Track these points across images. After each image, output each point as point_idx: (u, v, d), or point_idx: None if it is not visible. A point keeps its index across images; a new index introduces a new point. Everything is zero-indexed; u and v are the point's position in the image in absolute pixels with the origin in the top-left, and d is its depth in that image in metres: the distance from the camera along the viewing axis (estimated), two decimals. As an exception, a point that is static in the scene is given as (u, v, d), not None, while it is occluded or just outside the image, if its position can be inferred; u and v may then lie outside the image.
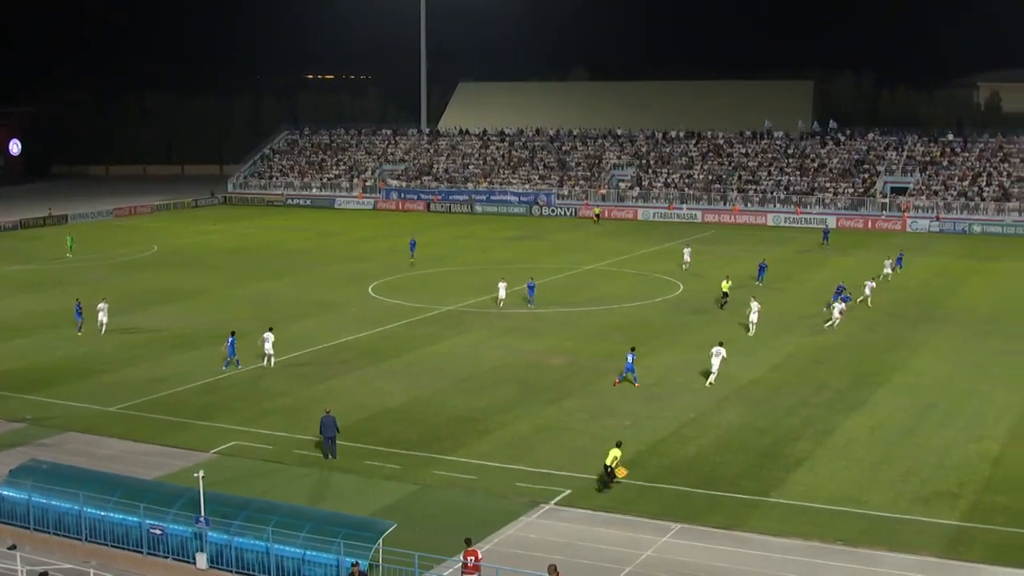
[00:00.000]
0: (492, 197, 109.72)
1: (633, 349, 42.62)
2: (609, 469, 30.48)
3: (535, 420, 37.70)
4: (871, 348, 47.94)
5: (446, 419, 37.57)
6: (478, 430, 36.42)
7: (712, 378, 41.82)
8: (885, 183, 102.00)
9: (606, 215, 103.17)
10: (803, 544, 27.11)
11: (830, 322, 51.96)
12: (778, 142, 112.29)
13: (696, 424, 37.33)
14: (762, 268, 64.34)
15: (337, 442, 33.40)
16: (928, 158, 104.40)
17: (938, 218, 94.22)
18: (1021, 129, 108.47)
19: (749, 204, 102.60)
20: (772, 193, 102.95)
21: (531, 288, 57.89)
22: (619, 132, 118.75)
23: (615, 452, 30.66)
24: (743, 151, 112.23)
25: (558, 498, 30.30)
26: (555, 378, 43.20)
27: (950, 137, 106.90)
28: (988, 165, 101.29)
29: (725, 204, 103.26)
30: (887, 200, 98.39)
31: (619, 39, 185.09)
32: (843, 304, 52.67)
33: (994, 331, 51.46)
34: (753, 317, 50.43)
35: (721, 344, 42.54)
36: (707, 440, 35.61)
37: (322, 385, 41.99)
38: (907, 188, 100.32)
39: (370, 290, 62.54)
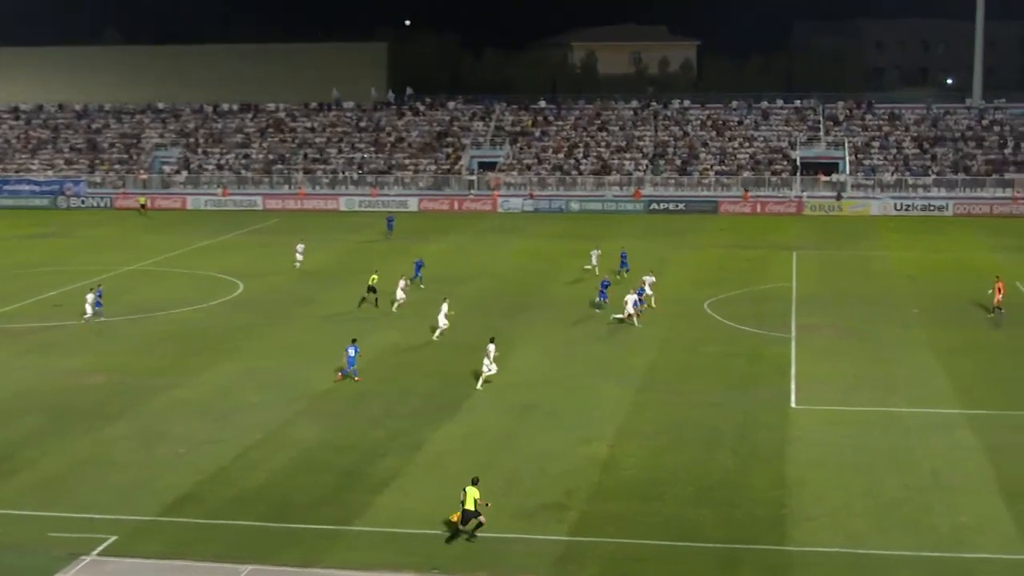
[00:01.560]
0: (5, 187, 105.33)
1: (354, 341, 44.49)
2: (469, 515, 29.50)
3: (71, 454, 36.28)
4: (461, 346, 49.72)
5: (-57, 466, 34.94)
6: (-3, 473, 34.37)
7: (483, 378, 43.81)
8: (472, 158, 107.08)
9: (150, 205, 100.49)
10: (395, 577, 27.71)
11: (621, 316, 54.34)
12: (348, 114, 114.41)
13: (265, 445, 37.22)
14: (419, 266, 64.52)
15: None
16: (519, 128, 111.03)
17: (532, 196, 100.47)
18: (619, 93, 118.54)
19: (317, 187, 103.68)
20: (344, 173, 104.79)
21: (99, 295, 55.23)
22: (161, 106, 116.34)
23: (473, 492, 29.75)
24: (308, 125, 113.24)
25: (102, 547, 29.20)
26: (94, 402, 42.01)
27: (542, 104, 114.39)
28: (585, 135, 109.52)
29: (290, 188, 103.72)
30: (475, 177, 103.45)
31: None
32: (636, 296, 55.22)
33: (601, 320, 55.74)
34: (434, 316, 51.52)
35: (492, 340, 44.76)
36: (279, 463, 35.55)
37: None
38: (496, 163, 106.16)
39: None
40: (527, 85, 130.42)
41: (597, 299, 57.27)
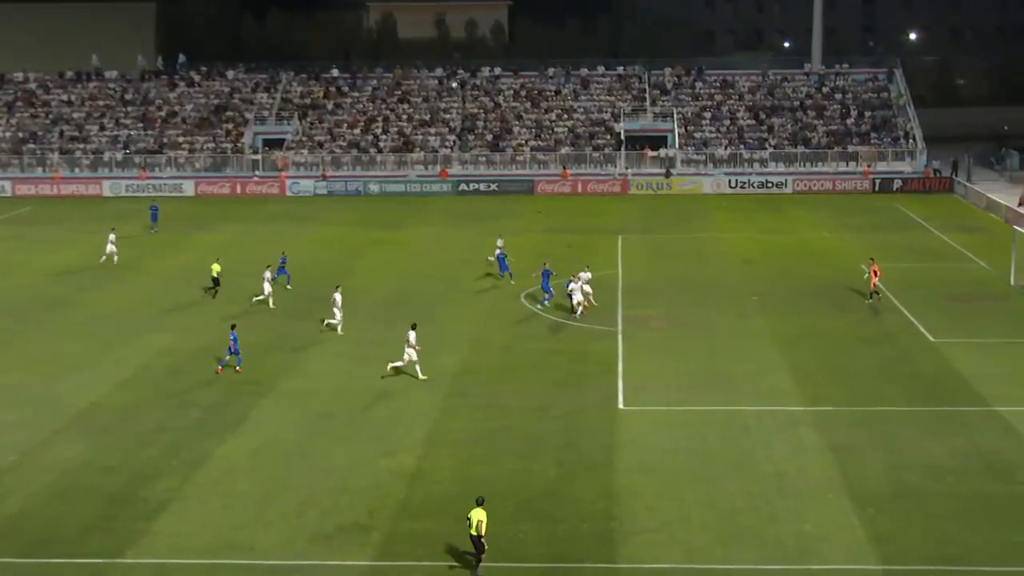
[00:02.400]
0: None
1: (233, 327, 46.66)
2: (477, 539, 29.28)
3: None
4: (248, 349, 49.12)
5: None
6: None
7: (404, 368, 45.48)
8: (256, 135, 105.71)
9: None
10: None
11: (579, 310, 54.77)
12: (112, 85, 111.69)
13: (21, 469, 36.49)
14: (286, 264, 62.99)
15: None
16: (309, 101, 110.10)
17: (325, 177, 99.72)
18: (422, 60, 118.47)
19: (76, 169, 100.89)
20: (107, 154, 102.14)
21: None
22: None
23: (479, 515, 29.31)
24: (64, 98, 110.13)
25: None
26: None
27: (335, 73, 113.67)
28: (384, 107, 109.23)
29: (44, 170, 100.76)
30: (260, 157, 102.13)
31: None
32: (577, 283, 55.24)
33: (403, 316, 55.64)
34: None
35: (413, 327, 46.07)
36: (36, 488, 34.89)
37: None
38: (284, 140, 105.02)
39: None
40: (317, 52, 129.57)
41: (544, 300, 57.12)
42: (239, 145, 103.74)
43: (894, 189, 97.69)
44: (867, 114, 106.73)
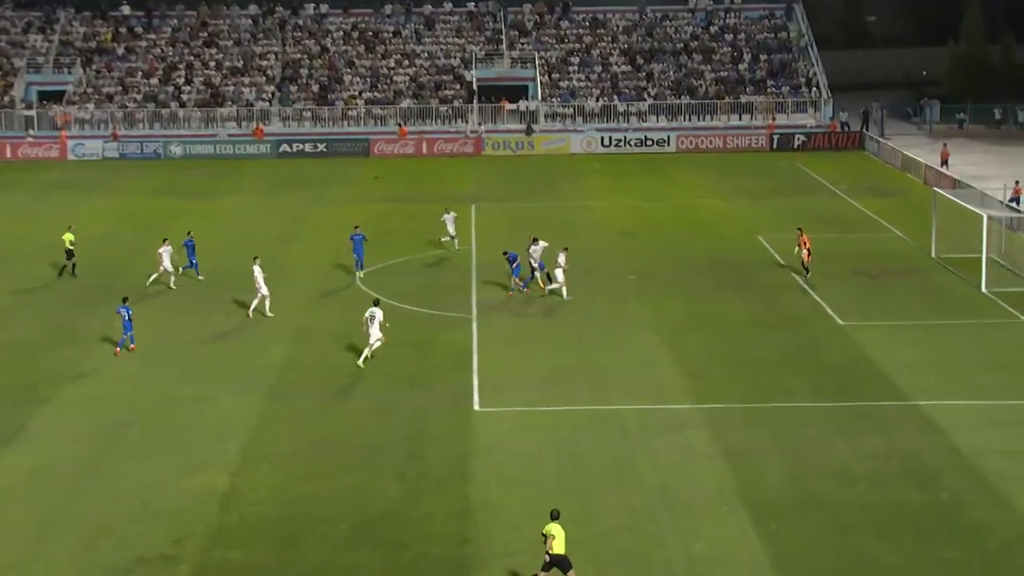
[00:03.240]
0: None
1: (125, 300, 48.55)
2: (563, 563, 29.34)
3: None
4: (23, 347, 48.59)
5: None
6: None
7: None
8: (29, 86, 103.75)
9: None
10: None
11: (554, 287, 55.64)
12: None
13: None
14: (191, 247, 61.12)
15: None
16: (94, 44, 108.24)
17: (115, 137, 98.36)
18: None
19: None
20: None
21: None
22: None
23: (554, 529, 29.33)
24: None
25: None
26: None
27: (126, 11, 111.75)
28: (187, 52, 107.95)
29: None
30: (34, 113, 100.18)
31: None
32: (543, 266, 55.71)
33: (213, 303, 55.09)
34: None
35: (377, 303, 47.33)
36: None
37: None
38: (64, 92, 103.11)
39: None
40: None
41: (516, 283, 56.74)
42: (8, 99, 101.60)
43: (795, 146, 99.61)
44: (762, 58, 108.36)
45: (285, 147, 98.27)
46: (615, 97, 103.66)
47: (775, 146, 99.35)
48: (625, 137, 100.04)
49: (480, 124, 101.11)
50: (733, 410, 41.93)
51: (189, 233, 60.75)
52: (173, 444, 39.33)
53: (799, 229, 59.83)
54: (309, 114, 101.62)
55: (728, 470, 36.83)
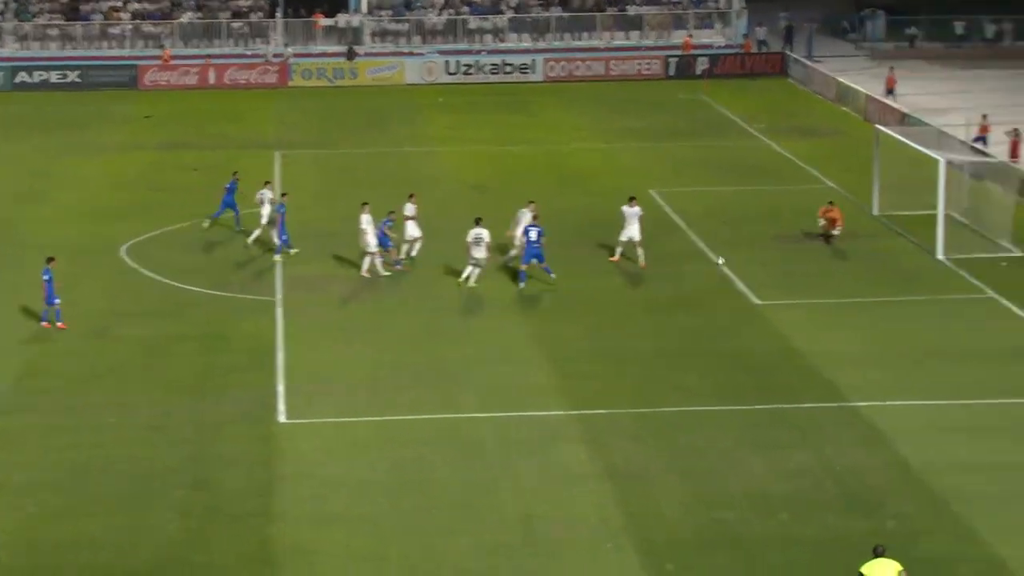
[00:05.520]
0: None
1: (49, 261, 50.41)
2: None
3: None
4: None
5: None
6: None
7: None
8: None
9: None
10: None
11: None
12: None
13: None
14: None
15: None
16: None
17: None
18: None
19: None
20: None
21: None
22: None
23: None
24: None
25: None
26: None
27: None
28: None
29: None
30: None
31: None
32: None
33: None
34: None
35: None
36: None
37: None
38: None
39: None
40: None
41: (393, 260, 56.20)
42: None
43: (698, 73, 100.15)
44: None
45: (23, 76, 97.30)
46: (464, 8, 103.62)
47: (672, 73, 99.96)
48: (477, 62, 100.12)
49: (286, 45, 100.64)
50: (619, 417, 42.24)
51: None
52: None
53: (830, 202, 60.32)
54: (56, 32, 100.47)
55: (611, 496, 37.00)
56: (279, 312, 51.79)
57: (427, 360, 47.07)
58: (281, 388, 44.59)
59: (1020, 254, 57.76)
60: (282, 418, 42.41)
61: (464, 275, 54.50)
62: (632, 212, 56.46)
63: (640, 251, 55.95)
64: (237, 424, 41.96)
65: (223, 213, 62.32)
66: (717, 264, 56.95)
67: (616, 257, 56.88)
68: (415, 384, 44.98)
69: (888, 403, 42.92)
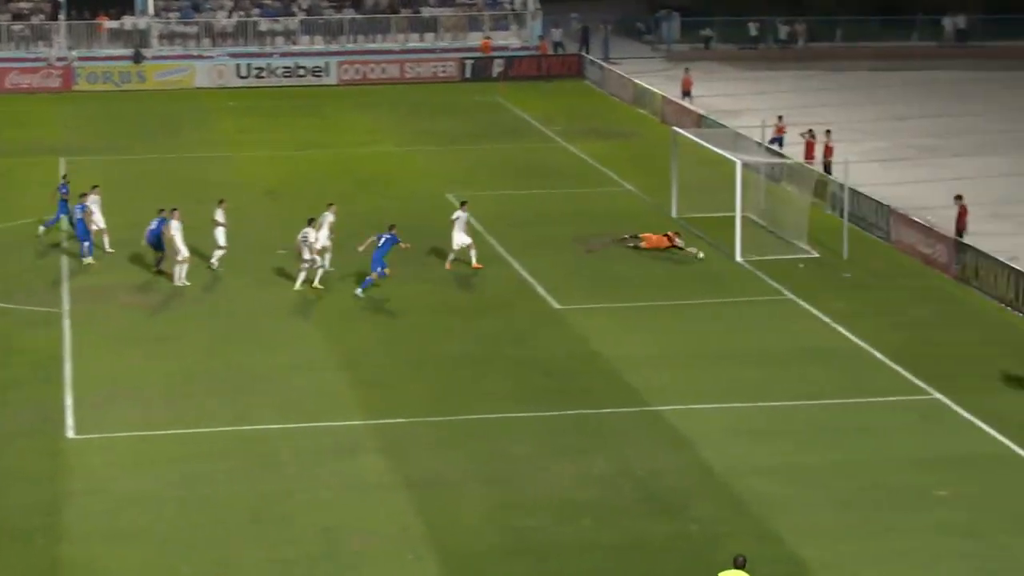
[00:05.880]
0: None
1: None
2: None
3: None
4: None
5: None
6: None
7: None
8: None
9: None
10: None
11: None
12: None
13: None
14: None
15: None
16: None
17: None
18: None
19: None
20: None
21: None
22: None
23: None
24: None
25: None
26: None
27: None
28: None
29: None
30: None
31: None
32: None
33: None
34: None
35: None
36: None
37: None
38: None
39: None
40: None
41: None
42: None
43: (494, 75, 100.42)
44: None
45: None
46: (254, 10, 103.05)
47: (469, 75, 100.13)
48: (269, 65, 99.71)
49: (70, 49, 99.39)
50: (418, 426, 42.18)
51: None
52: None
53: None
54: None
55: (412, 506, 36.94)
56: (66, 323, 51.05)
57: (222, 370, 46.74)
58: (69, 402, 43.91)
59: (816, 255, 58.39)
60: (70, 433, 41.75)
61: (298, 282, 54.70)
62: (461, 216, 56.74)
63: (473, 252, 56.33)
64: (22, 439, 41.24)
65: (58, 221, 61.44)
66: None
67: (449, 264, 56.74)
68: (209, 395, 44.61)
69: (688, 407, 43.20)
